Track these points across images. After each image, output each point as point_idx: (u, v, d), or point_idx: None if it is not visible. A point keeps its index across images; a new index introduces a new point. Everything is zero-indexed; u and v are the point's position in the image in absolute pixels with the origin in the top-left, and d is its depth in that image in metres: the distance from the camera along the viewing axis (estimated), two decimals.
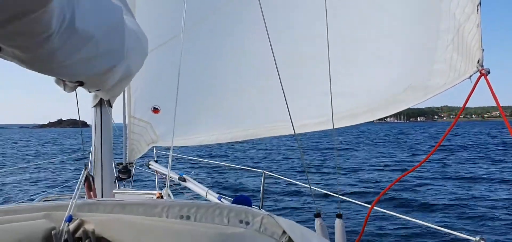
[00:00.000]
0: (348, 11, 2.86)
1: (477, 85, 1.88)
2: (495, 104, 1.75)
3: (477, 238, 1.98)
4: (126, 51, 1.60)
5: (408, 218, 2.72)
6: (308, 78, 3.28)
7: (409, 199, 11.24)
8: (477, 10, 1.91)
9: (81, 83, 1.57)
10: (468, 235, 2.06)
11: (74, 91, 2.40)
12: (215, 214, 1.48)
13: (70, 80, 1.52)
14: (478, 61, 1.90)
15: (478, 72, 1.88)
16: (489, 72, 1.88)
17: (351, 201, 3.17)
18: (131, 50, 1.76)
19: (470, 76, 1.95)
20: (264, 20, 2.44)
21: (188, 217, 1.48)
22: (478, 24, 1.91)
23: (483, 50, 1.91)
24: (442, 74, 2.19)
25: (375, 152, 29.54)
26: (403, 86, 2.58)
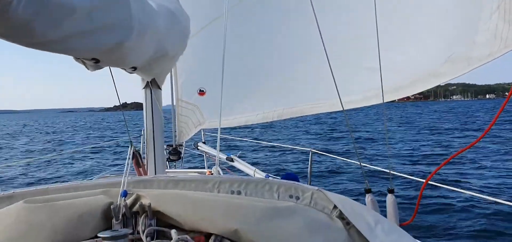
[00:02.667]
0: None
1: None
2: None
3: None
4: (139, 26, 1.57)
5: (463, 191, 2.65)
6: (352, 54, 3.28)
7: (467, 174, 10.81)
8: None
9: (97, 61, 1.56)
10: None
11: (110, 73, 2.48)
12: (265, 189, 1.51)
13: (78, 57, 1.51)
14: None
15: None
16: None
17: (403, 176, 3.12)
18: (155, 26, 1.76)
19: None
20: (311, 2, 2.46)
21: (239, 192, 1.52)
22: None
23: None
24: (487, 44, 2.13)
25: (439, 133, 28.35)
26: (444, 58, 2.53)
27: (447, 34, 2.62)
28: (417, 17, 2.81)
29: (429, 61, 2.75)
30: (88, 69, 1.67)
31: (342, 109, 2.59)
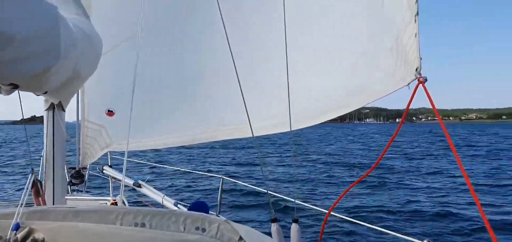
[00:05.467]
0: (301, 14, 2.97)
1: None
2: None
3: (425, 241, 2.16)
4: (64, 52, 1.60)
5: (362, 223, 2.86)
6: (266, 82, 3.37)
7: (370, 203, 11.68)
8: (415, 20, 2.04)
9: (16, 86, 1.56)
10: (416, 239, 2.24)
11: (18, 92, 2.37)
12: (170, 221, 1.48)
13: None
14: (416, 69, 2.04)
15: (416, 80, 2.02)
16: (426, 80, 2.01)
17: (307, 206, 3.28)
18: (75, 51, 1.76)
19: (408, 83, 2.09)
20: (223, 21, 2.50)
21: (143, 225, 1.48)
22: (416, 34, 2.04)
23: (421, 58, 2.05)
24: (384, 80, 2.33)
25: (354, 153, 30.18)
26: (351, 89, 2.71)
27: (354, 68, 2.81)
28: (329, 50, 2.98)
29: (337, 92, 2.92)
30: (0, 92, 1.60)
31: (252, 135, 2.66)
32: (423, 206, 11.41)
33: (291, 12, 2.85)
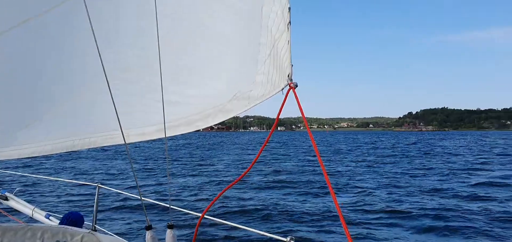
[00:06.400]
0: (181, 19, 2.95)
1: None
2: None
3: (288, 239, 2.30)
4: None
5: (234, 224, 2.95)
6: (142, 86, 3.27)
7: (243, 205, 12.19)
8: (288, 28, 2.18)
9: None
10: (281, 236, 2.39)
11: None
12: (26, 237, 1.38)
13: None
14: (288, 76, 2.17)
15: (288, 85, 2.15)
16: (297, 86, 2.16)
17: (181, 210, 3.28)
18: None
19: (282, 89, 2.21)
20: (92, 27, 2.37)
21: None
22: (288, 41, 2.18)
23: (292, 65, 2.19)
24: (262, 86, 2.43)
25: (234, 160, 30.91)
26: (231, 95, 2.78)
27: (234, 74, 2.88)
28: (209, 55, 3.00)
29: (218, 98, 2.96)
30: None
31: (124, 142, 2.56)
32: (292, 206, 12.29)
33: (172, 17, 2.82)
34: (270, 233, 2.65)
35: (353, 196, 14.31)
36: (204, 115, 3.11)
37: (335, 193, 14.18)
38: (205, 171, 22.81)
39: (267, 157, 33.00)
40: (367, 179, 19.54)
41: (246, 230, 2.87)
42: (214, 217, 3.04)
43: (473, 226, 9.94)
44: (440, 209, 11.87)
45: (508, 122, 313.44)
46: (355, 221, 10.62)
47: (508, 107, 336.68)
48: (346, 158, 33.90)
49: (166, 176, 19.38)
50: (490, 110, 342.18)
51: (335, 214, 10.87)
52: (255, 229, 2.89)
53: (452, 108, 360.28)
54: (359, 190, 15.92)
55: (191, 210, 3.33)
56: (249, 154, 38.17)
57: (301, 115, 2.04)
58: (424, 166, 26.90)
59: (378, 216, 11.19)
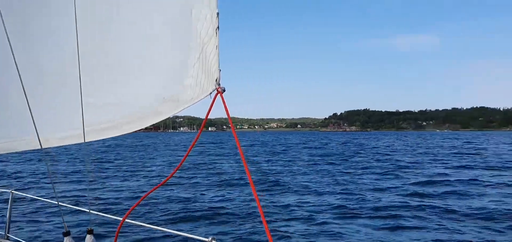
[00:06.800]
0: (109, 19, 2.86)
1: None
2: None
3: (210, 239, 2.36)
4: None
5: (155, 227, 2.93)
6: (64, 88, 3.13)
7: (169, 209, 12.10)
8: (216, 33, 2.21)
9: None
10: (203, 237, 2.44)
11: None
12: None
13: None
14: (216, 80, 2.20)
15: (216, 90, 2.19)
16: (224, 90, 2.20)
17: (102, 215, 3.19)
18: None
19: (210, 93, 2.24)
20: (4, 27, 2.24)
21: None
22: (216, 46, 2.21)
23: (220, 70, 2.23)
24: (191, 89, 2.44)
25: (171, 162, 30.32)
26: (161, 98, 2.75)
27: (164, 77, 2.85)
28: (137, 57, 2.94)
29: (147, 100, 2.91)
30: None
31: (40, 147, 2.45)
32: (218, 206, 12.39)
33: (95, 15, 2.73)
34: (192, 234, 2.67)
35: (297, 196, 14.57)
36: (132, 119, 3.04)
37: (281, 193, 14.55)
38: (137, 173, 22.11)
39: (197, 158, 32.74)
40: (310, 178, 19.96)
41: (168, 232, 2.86)
42: (136, 220, 2.99)
43: (423, 223, 10.48)
44: (382, 207, 12.35)
45: (424, 123, 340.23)
46: (301, 219, 10.82)
47: (424, 109, 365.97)
48: (284, 157, 34.45)
49: (91, 180, 18.51)
50: (408, 112, 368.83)
51: (258, 213, 11.09)
52: (177, 230, 2.90)
53: (374, 109, 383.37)
54: (301, 189, 16.23)
55: (113, 214, 3.23)
56: (180, 156, 37.65)
57: (232, 116, 2.09)
58: (359, 164, 28.10)
59: (325, 215, 11.50)
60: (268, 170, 24.02)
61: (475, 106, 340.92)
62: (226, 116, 2.10)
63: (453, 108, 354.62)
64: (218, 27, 2.20)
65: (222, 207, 12.30)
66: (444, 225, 10.24)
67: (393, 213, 11.58)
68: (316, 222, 10.60)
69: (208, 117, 2.28)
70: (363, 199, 13.82)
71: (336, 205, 12.81)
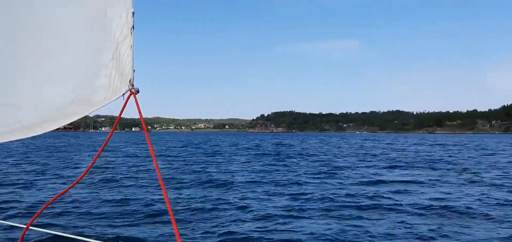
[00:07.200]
0: (15, 17, 2.69)
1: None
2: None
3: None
4: None
5: (63, 234, 2.83)
6: None
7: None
8: (131, 32, 2.18)
9: None
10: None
11: None
12: None
13: None
14: (130, 81, 2.17)
15: (129, 91, 2.16)
16: (138, 91, 2.18)
17: (3, 223, 3.00)
18: None
19: (123, 94, 2.20)
20: None
21: None
22: (131, 46, 2.18)
23: (134, 71, 2.20)
24: (104, 90, 2.37)
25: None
26: (71, 99, 2.64)
27: (76, 77, 2.73)
28: (46, 56, 2.79)
29: (58, 102, 2.77)
30: None
31: None
32: (130, 208, 12.05)
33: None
34: (101, 240, 2.59)
35: (241, 196, 14.55)
36: (44, 119, 2.88)
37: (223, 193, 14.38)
38: (54, 175, 20.75)
39: (117, 160, 31.49)
40: (252, 177, 20.10)
41: (77, 239, 2.76)
42: (43, 227, 2.84)
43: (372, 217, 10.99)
44: (326, 209, 12.51)
45: (344, 125, 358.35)
46: (246, 220, 10.79)
47: (345, 112, 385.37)
48: (221, 159, 34.03)
49: (6, 183, 17.03)
50: (330, 114, 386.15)
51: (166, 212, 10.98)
52: (88, 237, 2.79)
53: (299, 111, 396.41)
54: (244, 189, 16.27)
55: (17, 223, 3.05)
56: (102, 156, 35.95)
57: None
58: (297, 164, 28.69)
59: (275, 214, 11.55)
60: (210, 172, 23.58)
61: (391, 110, 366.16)
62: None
63: (371, 112, 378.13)
64: (133, 27, 2.17)
65: (134, 208, 11.95)
66: (392, 219, 10.95)
67: (339, 211, 11.98)
68: (266, 222, 10.67)
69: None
70: (309, 199, 14.13)
71: (283, 205, 12.94)
